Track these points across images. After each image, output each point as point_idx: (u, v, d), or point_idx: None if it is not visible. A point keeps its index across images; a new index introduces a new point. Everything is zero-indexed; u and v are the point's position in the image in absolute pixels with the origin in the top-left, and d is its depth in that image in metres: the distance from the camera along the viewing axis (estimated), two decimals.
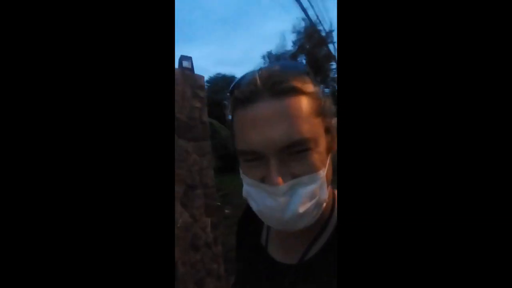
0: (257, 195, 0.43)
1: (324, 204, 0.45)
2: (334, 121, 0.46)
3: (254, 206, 0.46)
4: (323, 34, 12.41)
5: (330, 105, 0.46)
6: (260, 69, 0.44)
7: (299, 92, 0.42)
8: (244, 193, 0.47)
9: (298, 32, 14.34)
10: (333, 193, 0.52)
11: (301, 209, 0.41)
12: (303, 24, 13.87)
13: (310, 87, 0.43)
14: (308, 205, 0.42)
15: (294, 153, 0.41)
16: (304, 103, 0.42)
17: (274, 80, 0.42)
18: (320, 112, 0.44)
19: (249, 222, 0.60)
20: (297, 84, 0.42)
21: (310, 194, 0.42)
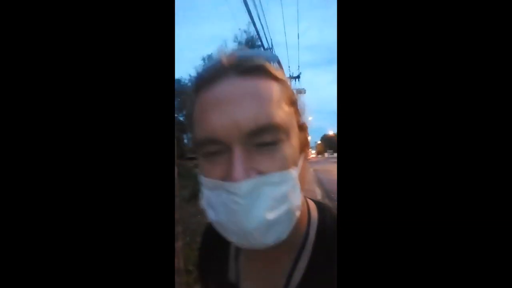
0: (216, 199, 0.35)
1: (298, 213, 0.36)
2: (306, 123, 0.41)
3: (212, 217, 0.37)
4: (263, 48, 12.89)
5: (303, 105, 0.41)
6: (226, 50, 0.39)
7: (269, 75, 0.36)
8: (203, 202, 0.38)
9: (239, 42, 14.71)
10: (308, 204, 0.44)
11: (269, 216, 0.33)
12: (244, 35, 14.30)
13: (281, 74, 0.38)
14: (277, 212, 0.34)
15: (262, 144, 0.34)
16: (275, 87, 0.36)
17: (241, 58, 0.37)
18: (293, 102, 0.38)
19: (210, 254, 0.51)
20: (267, 66, 0.37)
21: (280, 196, 0.34)
